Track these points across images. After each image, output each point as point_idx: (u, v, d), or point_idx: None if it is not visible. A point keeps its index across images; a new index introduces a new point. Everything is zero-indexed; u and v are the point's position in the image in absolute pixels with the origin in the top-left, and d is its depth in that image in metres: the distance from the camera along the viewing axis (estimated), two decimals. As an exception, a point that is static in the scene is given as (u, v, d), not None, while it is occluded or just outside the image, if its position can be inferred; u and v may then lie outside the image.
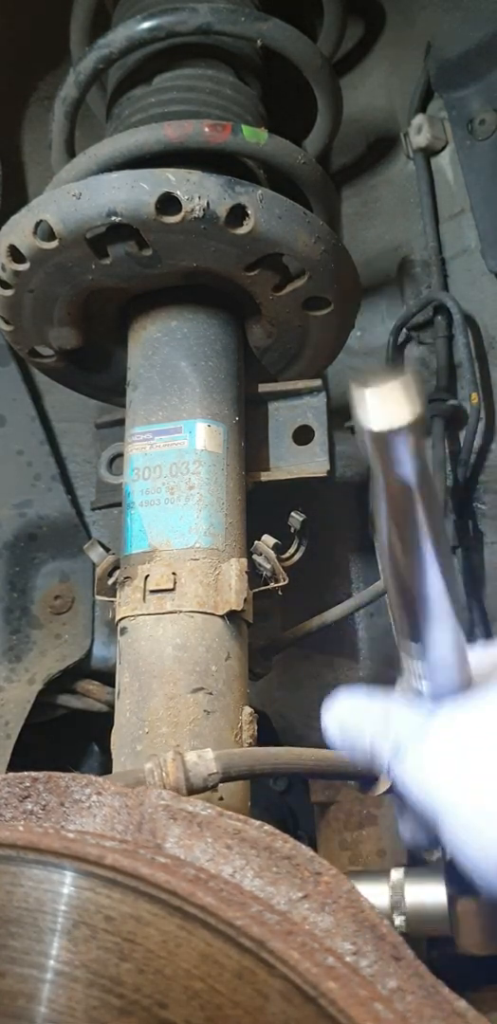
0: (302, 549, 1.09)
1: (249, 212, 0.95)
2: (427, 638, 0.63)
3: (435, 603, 0.61)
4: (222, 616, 0.95)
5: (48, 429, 1.43)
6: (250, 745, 0.94)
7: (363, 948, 0.53)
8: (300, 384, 1.14)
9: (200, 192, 0.93)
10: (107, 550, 1.06)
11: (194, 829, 0.59)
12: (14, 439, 1.40)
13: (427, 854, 1.12)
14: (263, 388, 1.14)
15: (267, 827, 0.60)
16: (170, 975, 0.49)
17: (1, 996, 0.51)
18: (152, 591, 0.96)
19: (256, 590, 1.02)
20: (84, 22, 1.21)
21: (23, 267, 0.99)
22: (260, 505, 1.10)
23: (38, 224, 0.96)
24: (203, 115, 1.06)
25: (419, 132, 1.42)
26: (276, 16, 1.07)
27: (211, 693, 0.93)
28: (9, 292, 1.03)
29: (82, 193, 0.94)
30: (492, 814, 0.59)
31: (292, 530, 1.09)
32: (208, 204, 0.93)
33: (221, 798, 0.86)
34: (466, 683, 0.66)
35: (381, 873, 1.00)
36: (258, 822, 0.61)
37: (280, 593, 1.06)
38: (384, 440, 0.48)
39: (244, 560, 0.99)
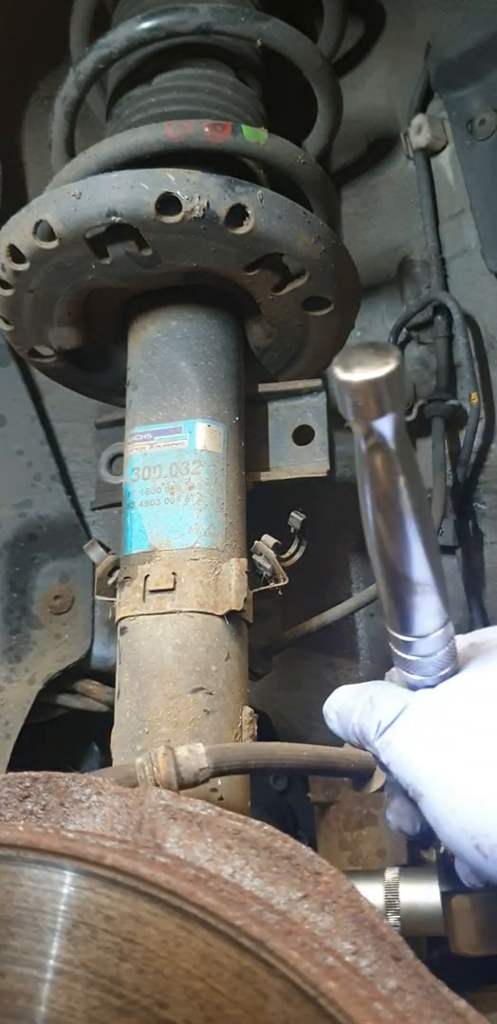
0: (302, 549, 1.09)
1: (249, 212, 0.95)
2: (413, 622, 0.64)
3: (420, 585, 0.62)
4: (222, 616, 0.95)
5: (48, 429, 1.43)
6: (250, 745, 0.94)
7: (363, 948, 0.53)
8: (300, 384, 1.14)
9: (200, 192, 0.93)
10: (107, 550, 1.06)
11: (194, 829, 0.59)
12: (14, 439, 1.40)
13: (426, 853, 1.12)
14: (263, 388, 1.14)
15: (267, 827, 0.60)
16: (170, 975, 0.49)
17: (1, 996, 0.51)
18: (152, 591, 0.96)
19: (256, 590, 1.02)
20: (84, 22, 1.21)
21: (23, 267, 0.99)
22: (260, 505, 1.10)
23: (38, 224, 0.96)
24: (203, 115, 1.06)
25: (419, 132, 1.43)
26: (276, 16, 1.07)
27: (211, 693, 0.93)
28: (9, 292, 1.03)
29: (82, 193, 0.94)
30: (468, 791, 0.61)
31: (292, 530, 1.09)
32: (208, 204, 0.93)
33: (221, 798, 0.86)
34: (453, 669, 0.67)
35: (376, 873, 1.00)
36: (258, 822, 0.61)
37: (280, 593, 1.06)
38: (363, 392, 0.51)
39: (244, 560, 0.99)
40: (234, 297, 1.08)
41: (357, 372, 0.51)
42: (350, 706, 0.71)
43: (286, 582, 1.05)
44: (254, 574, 1.03)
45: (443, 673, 0.67)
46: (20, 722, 1.30)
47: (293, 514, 1.09)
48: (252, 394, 1.13)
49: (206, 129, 0.99)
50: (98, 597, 1.06)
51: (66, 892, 0.52)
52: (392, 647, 0.68)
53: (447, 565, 1.42)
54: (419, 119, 1.43)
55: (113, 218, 0.94)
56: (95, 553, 1.06)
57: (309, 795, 1.32)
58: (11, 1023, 0.50)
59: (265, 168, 1.11)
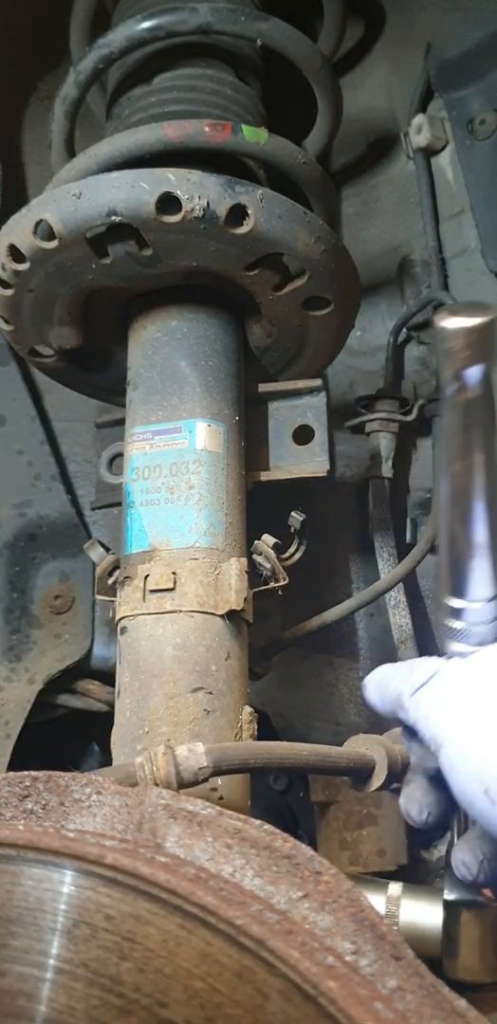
0: (302, 549, 1.09)
1: (249, 212, 0.95)
2: (467, 586, 0.67)
3: (479, 547, 0.65)
4: (222, 616, 0.95)
5: (48, 429, 1.43)
6: (250, 745, 0.94)
7: (363, 947, 0.53)
8: (300, 384, 1.14)
9: (200, 192, 0.93)
10: (107, 550, 1.06)
11: (194, 828, 0.59)
12: (14, 439, 1.40)
13: (426, 853, 1.12)
14: (263, 388, 1.14)
15: (267, 826, 0.60)
16: (170, 974, 0.49)
17: (1, 995, 0.51)
18: (152, 591, 0.96)
19: (256, 590, 1.02)
20: (84, 22, 1.21)
21: (23, 267, 0.99)
22: (260, 505, 1.10)
23: (38, 224, 0.96)
24: (203, 115, 1.06)
25: (419, 132, 1.43)
26: (276, 16, 1.07)
27: (211, 693, 0.93)
28: (9, 292, 1.03)
29: (82, 193, 0.94)
30: (481, 739, 0.64)
31: (292, 530, 1.09)
32: (208, 204, 0.93)
33: (221, 797, 0.86)
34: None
35: (380, 884, 1.00)
36: (258, 821, 0.61)
37: (280, 593, 1.06)
38: (458, 338, 0.56)
39: (244, 560, 0.99)
40: (234, 297, 1.08)
41: (455, 320, 0.56)
42: (389, 676, 0.75)
43: (286, 582, 1.05)
44: (254, 574, 1.03)
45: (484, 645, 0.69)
46: (20, 722, 1.30)
47: (293, 514, 1.08)
48: (252, 394, 1.13)
49: (206, 129, 0.99)
50: (98, 597, 1.06)
51: (66, 891, 0.52)
52: (441, 617, 0.71)
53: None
54: (419, 119, 1.43)
55: (113, 218, 0.94)
56: (95, 553, 1.06)
57: (301, 795, 1.32)
58: (11, 1022, 0.50)
59: (265, 168, 1.11)
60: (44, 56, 1.36)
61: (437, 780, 0.72)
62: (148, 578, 0.96)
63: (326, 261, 1.01)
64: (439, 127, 1.43)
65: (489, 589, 0.67)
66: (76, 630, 1.37)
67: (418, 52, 1.41)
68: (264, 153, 1.04)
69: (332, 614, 1.19)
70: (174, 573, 0.96)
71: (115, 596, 1.01)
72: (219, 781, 0.85)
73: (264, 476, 1.11)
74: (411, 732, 0.74)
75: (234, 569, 0.96)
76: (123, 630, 0.98)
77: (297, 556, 1.09)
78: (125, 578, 0.99)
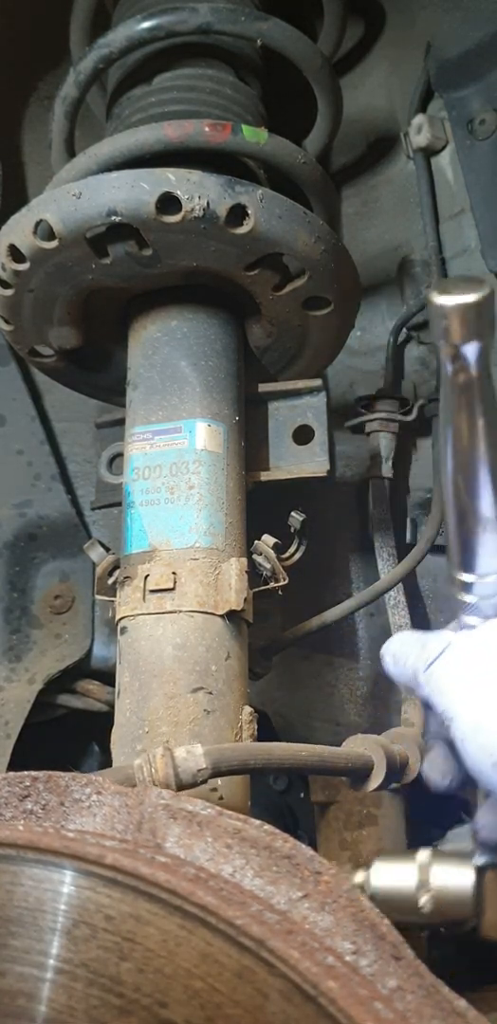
0: (302, 549, 1.09)
1: (249, 212, 0.95)
2: (476, 560, 0.68)
3: (485, 520, 0.66)
4: (222, 616, 0.95)
5: (48, 429, 1.43)
6: (250, 745, 0.94)
7: (363, 947, 0.53)
8: (300, 384, 1.14)
9: (200, 192, 0.93)
10: (107, 550, 1.06)
11: (194, 828, 0.59)
12: (14, 439, 1.40)
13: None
14: (263, 388, 1.14)
15: (267, 826, 0.60)
16: (170, 974, 0.49)
17: (1, 995, 0.51)
18: (152, 591, 0.96)
19: (256, 590, 1.02)
20: (84, 22, 1.21)
21: (23, 267, 0.99)
22: (260, 505, 1.10)
23: (38, 224, 0.96)
24: (203, 115, 1.06)
25: (419, 132, 1.42)
26: (276, 16, 1.07)
27: (211, 693, 0.93)
28: (9, 292, 1.03)
29: (82, 193, 0.94)
30: (491, 712, 0.66)
31: (292, 530, 1.09)
32: (208, 204, 0.93)
33: (221, 797, 0.86)
34: None
35: (408, 854, 1.00)
36: (258, 821, 0.61)
37: (280, 593, 1.06)
38: (454, 315, 0.55)
39: (244, 560, 0.99)
40: (234, 297, 1.08)
41: (450, 296, 0.55)
42: (406, 650, 0.77)
43: (286, 582, 1.05)
44: (254, 574, 1.03)
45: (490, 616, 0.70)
46: (20, 722, 1.30)
47: (293, 514, 1.08)
48: (252, 394, 1.13)
49: (206, 129, 0.99)
50: (98, 597, 1.06)
51: (66, 891, 0.52)
52: (454, 592, 0.72)
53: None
54: (419, 119, 1.43)
55: (113, 218, 0.94)
56: (95, 553, 1.06)
57: (302, 795, 1.32)
58: (11, 1022, 0.50)
59: (265, 168, 1.11)
60: (44, 56, 1.36)
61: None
62: (148, 578, 0.96)
63: (326, 261, 1.01)
64: (439, 127, 1.43)
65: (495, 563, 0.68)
66: (76, 630, 1.37)
67: (418, 52, 1.41)
68: (264, 153, 1.04)
69: (332, 614, 1.19)
70: (174, 573, 0.96)
71: (115, 596, 1.01)
72: (219, 781, 0.84)
73: (264, 476, 1.11)
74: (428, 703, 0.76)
75: (234, 569, 0.96)
76: (123, 630, 0.98)
77: (297, 556, 1.09)
78: (125, 578, 0.99)
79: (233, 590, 0.95)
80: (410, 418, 1.42)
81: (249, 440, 1.10)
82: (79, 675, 1.37)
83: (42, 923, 0.52)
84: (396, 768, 0.93)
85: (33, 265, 0.99)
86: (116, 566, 1.03)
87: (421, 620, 1.41)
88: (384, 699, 1.37)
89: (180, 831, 0.59)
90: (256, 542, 1.04)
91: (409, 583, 1.39)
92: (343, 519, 1.46)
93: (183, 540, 0.98)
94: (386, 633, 1.35)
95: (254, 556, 1.03)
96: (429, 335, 1.47)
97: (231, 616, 0.96)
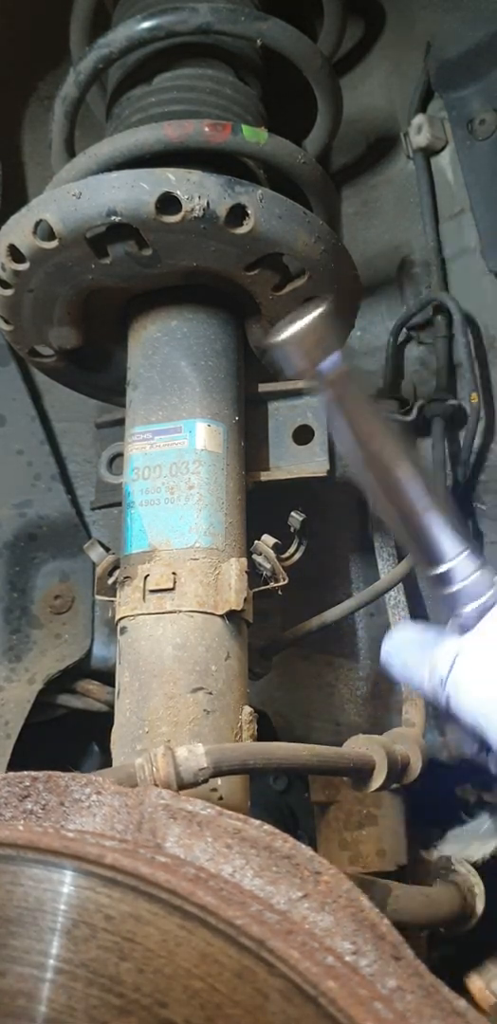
0: (302, 549, 1.09)
1: (249, 212, 0.95)
2: (433, 550, 0.67)
3: (420, 507, 0.66)
4: (222, 616, 0.95)
5: (48, 429, 1.43)
6: (250, 745, 0.94)
7: (363, 947, 0.53)
8: (300, 384, 1.14)
9: (200, 192, 0.93)
10: (107, 550, 1.06)
11: (194, 828, 0.59)
12: (14, 439, 1.40)
13: (425, 853, 1.12)
14: (263, 388, 1.14)
15: (267, 827, 0.60)
16: (170, 974, 0.49)
17: (1, 995, 0.51)
18: (152, 591, 0.96)
19: (256, 590, 1.02)
20: (84, 22, 1.21)
21: (23, 267, 0.99)
22: (260, 505, 1.10)
23: (38, 224, 0.96)
24: (203, 115, 1.06)
25: (419, 132, 1.42)
26: (276, 16, 1.07)
27: (211, 693, 0.93)
28: (9, 292, 1.03)
29: (82, 193, 0.94)
30: None
31: (292, 530, 1.09)
32: (208, 204, 0.93)
33: (221, 797, 0.86)
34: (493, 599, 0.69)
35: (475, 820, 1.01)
36: (258, 821, 0.61)
37: (280, 593, 1.06)
38: (293, 345, 0.59)
39: (244, 560, 0.99)
40: (234, 297, 1.08)
41: (287, 331, 0.59)
42: (414, 658, 0.75)
43: (286, 582, 1.05)
44: (254, 574, 1.03)
45: (483, 601, 0.68)
46: (20, 722, 1.30)
47: (293, 514, 1.08)
48: (252, 394, 1.13)
49: (206, 129, 0.99)
50: (98, 597, 1.06)
51: (66, 891, 0.52)
52: (436, 593, 0.71)
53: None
54: (419, 119, 1.43)
55: (113, 218, 0.94)
56: (95, 553, 1.06)
57: (305, 795, 1.32)
58: (11, 1022, 0.50)
59: (265, 168, 1.11)
60: (44, 56, 1.36)
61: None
62: (148, 578, 0.96)
63: (326, 261, 1.01)
64: (439, 127, 1.43)
65: (459, 540, 0.68)
66: (76, 630, 1.37)
67: (418, 52, 1.41)
68: (264, 153, 1.04)
69: (332, 614, 1.19)
70: (174, 573, 0.96)
71: (115, 596, 1.01)
72: (219, 781, 0.85)
73: (264, 476, 1.11)
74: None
75: (234, 569, 0.96)
76: (123, 630, 0.98)
77: (297, 556, 1.09)
78: (125, 578, 0.99)
79: (233, 590, 0.95)
80: (410, 418, 1.41)
81: (249, 440, 1.10)
82: (79, 675, 1.37)
83: (42, 923, 0.52)
84: (397, 768, 0.93)
85: (33, 265, 0.99)
86: (116, 566, 1.03)
87: (421, 620, 1.40)
88: (384, 699, 1.37)
89: (180, 831, 0.59)
90: (256, 542, 1.04)
91: (409, 583, 1.39)
92: (343, 519, 1.46)
93: (183, 540, 0.98)
94: (386, 633, 1.35)
95: (254, 556, 1.03)
96: (429, 335, 1.47)
97: (231, 616, 0.96)
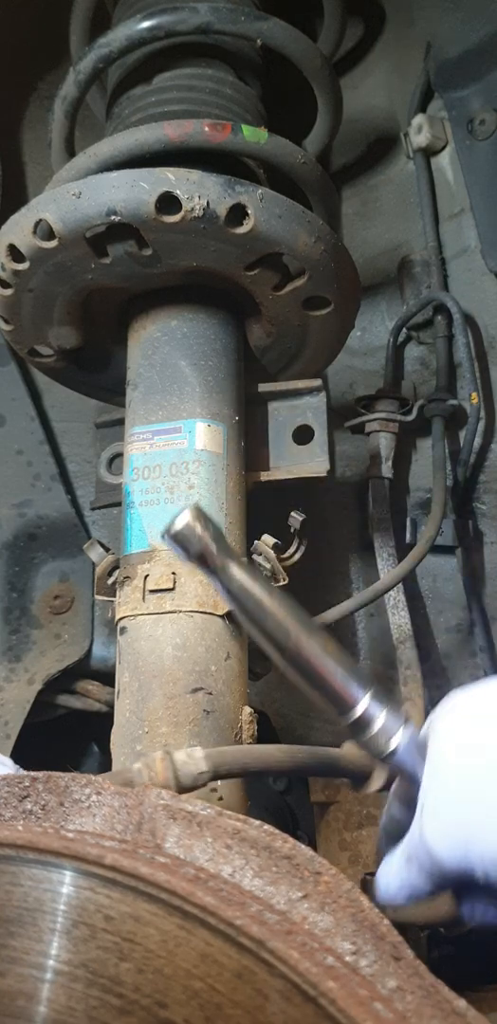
0: (302, 549, 1.09)
1: (249, 211, 0.95)
2: (339, 697, 0.67)
3: (328, 664, 0.67)
4: (222, 616, 0.95)
5: (48, 429, 1.43)
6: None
7: (363, 948, 0.52)
8: (300, 384, 1.14)
9: (200, 191, 0.93)
10: (107, 550, 1.06)
11: (194, 829, 0.59)
12: (14, 439, 1.40)
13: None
14: (263, 388, 1.14)
15: (267, 827, 0.60)
16: (170, 975, 0.49)
17: (1, 996, 0.51)
18: (152, 591, 0.96)
19: (256, 590, 1.02)
20: (84, 22, 1.21)
21: (23, 266, 0.99)
22: (260, 505, 1.10)
23: (38, 223, 0.96)
24: (203, 114, 1.06)
25: (419, 132, 1.43)
26: (276, 16, 1.07)
27: (211, 693, 0.93)
28: (9, 291, 1.03)
29: (82, 192, 0.94)
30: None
31: (292, 530, 1.09)
32: (208, 203, 0.93)
33: (220, 798, 0.86)
34: (412, 742, 0.67)
35: None
36: (258, 822, 0.61)
37: (280, 593, 1.05)
38: (178, 540, 0.65)
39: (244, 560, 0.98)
40: (234, 297, 1.07)
41: (171, 528, 0.65)
42: (392, 880, 0.68)
43: (286, 582, 1.04)
44: (254, 574, 1.03)
45: (399, 738, 0.67)
46: (20, 722, 1.30)
47: (293, 514, 1.08)
48: (252, 394, 1.13)
49: (206, 128, 0.99)
50: (98, 597, 1.06)
51: (66, 892, 0.52)
52: (365, 742, 0.69)
53: (447, 565, 1.42)
54: (419, 119, 1.43)
55: (113, 217, 0.94)
56: (95, 553, 1.06)
57: (308, 798, 1.32)
58: (11, 1023, 0.50)
59: (265, 167, 1.11)
60: (44, 56, 1.36)
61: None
62: (148, 578, 0.96)
63: (326, 261, 1.01)
64: (439, 127, 1.43)
65: (360, 681, 0.67)
66: (76, 630, 1.37)
67: (418, 52, 1.41)
68: (264, 153, 1.04)
69: (332, 614, 1.19)
70: (174, 573, 0.96)
71: (115, 596, 1.01)
72: (218, 782, 0.84)
73: (264, 476, 1.11)
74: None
75: (234, 569, 0.96)
76: (123, 630, 0.98)
77: (297, 556, 1.09)
78: (125, 578, 0.99)
79: (233, 590, 0.95)
80: (410, 418, 1.42)
81: (249, 440, 1.10)
82: (79, 675, 1.37)
83: (42, 923, 0.52)
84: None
85: (33, 265, 0.99)
86: (116, 566, 1.03)
87: (421, 620, 1.41)
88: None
89: (180, 831, 0.59)
90: (256, 542, 1.04)
91: (409, 583, 1.39)
92: (343, 519, 1.46)
93: (183, 540, 0.98)
94: (386, 633, 1.35)
95: (254, 556, 1.03)
96: (429, 335, 1.47)
97: (231, 616, 0.96)
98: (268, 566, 1.03)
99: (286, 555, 1.07)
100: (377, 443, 1.42)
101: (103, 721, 1.13)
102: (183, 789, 0.69)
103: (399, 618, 1.33)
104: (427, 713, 1.26)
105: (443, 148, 1.44)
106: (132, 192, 0.93)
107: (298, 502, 1.11)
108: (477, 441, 1.38)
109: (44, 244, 0.97)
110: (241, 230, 0.95)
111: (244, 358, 1.12)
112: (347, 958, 0.52)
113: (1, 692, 1.33)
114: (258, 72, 1.17)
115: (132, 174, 0.94)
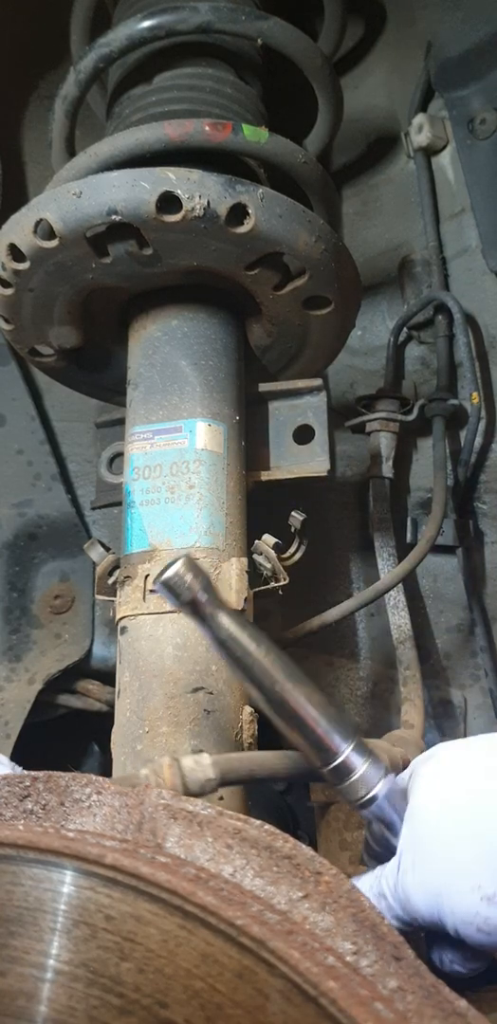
0: (302, 549, 1.09)
1: (250, 211, 0.94)
2: (322, 746, 0.68)
3: (312, 715, 0.68)
4: (222, 615, 0.95)
5: (48, 429, 1.43)
6: (250, 745, 0.94)
7: (363, 948, 0.52)
8: (300, 383, 1.14)
9: (200, 191, 0.93)
10: (107, 549, 1.06)
11: (194, 828, 0.59)
12: (14, 439, 1.40)
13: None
14: (263, 387, 1.14)
15: (267, 827, 0.60)
16: (170, 974, 0.49)
17: (1, 995, 0.51)
18: (152, 590, 0.96)
19: (256, 589, 1.02)
20: (84, 21, 1.21)
21: (23, 266, 0.99)
22: (260, 505, 1.10)
23: (38, 223, 0.96)
24: (203, 114, 1.06)
25: (420, 131, 1.43)
26: (277, 15, 1.07)
27: (211, 693, 0.93)
28: (9, 291, 1.03)
29: (82, 192, 0.94)
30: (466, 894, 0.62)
31: (292, 530, 1.09)
32: (209, 203, 0.93)
33: (221, 798, 0.86)
34: (392, 789, 0.68)
35: None
36: (258, 822, 0.61)
37: (280, 593, 1.05)
38: (166, 588, 0.68)
39: (244, 559, 0.98)
40: (234, 296, 1.07)
41: (160, 579, 0.68)
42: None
43: (286, 582, 1.04)
44: (254, 574, 1.03)
45: (377, 790, 0.67)
46: (20, 722, 1.30)
47: (293, 514, 1.08)
48: (252, 393, 1.13)
49: (206, 128, 0.99)
50: (98, 597, 1.06)
51: (66, 891, 0.52)
52: (345, 790, 0.69)
53: (448, 565, 1.42)
54: (420, 118, 1.43)
55: (113, 217, 0.94)
56: (95, 552, 1.06)
57: (309, 800, 1.32)
58: (11, 1023, 0.50)
59: (266, 167, 1.11)
60: (44, 56, 1.36)
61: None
62: (148, 578, 0.96)
63: (326, 260, 1.01)
64: (440, 127, 1.43)
65: (344, 732, 0.67)
66: (76, 630, 1.37)
67: (418, 52, 1.41)
68: (264, 152, 1.04)
69: (332, 614, 1.19)
70: (174, 573, 0.96)
71: (115, 596, 1.01)
72: (219, 781, 0.84)
73: (264, 476, 1.11)
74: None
75: (234, 569, 0.96)
76: (123, 630, 0.98)
77: (297, 556, 1.09)
78: (125, 578, 0.99)
79: (233, 590, 0.95)
80: (410, 418, 1.42)
81: (249, 440, 1.10)
82: (79, 675, 1.37)
83: (42, 923, 0.52)
84: (398, 770, 0.92)
85: (33, 264, 0.99)
86: (116, 566, 1.03)
87: (421, 620, 1.41)
88: (384, 699, 1.37)
89: (180, 831, 0.59)
90: (256, 542, 1.04)
91: (409, 583, 1.39)
92: (343, 519, 1.46)
93: (183, 540, 0.98)
94: (386, 633, 1.35)
95: (254, 556, 1.03)
96: (430, 335, 1.47)
97: (231, 616, 0.95)
98: (268, 566, 1.03)
99: (287, 555, 1.07)
100: (378, 443, 1.42)
101: (103, 721, 1.12)
102: (191, 796, 0.69)
103: (399, 618, 1.33)
104: (427, 713, 1.26)
105: (444, 148, 1.44)
106: (133, 192, 0.93)
107: (299, 502, 1.11)
108: (478, 441, 1.38)
109: (45, 244, 0.97)
110: (242, 230, 0.95)
111: (244, 358, 1.12)
112: (348, 958, 0.52)
113: (1, 692, 1.33)
114: (258, 72, 1.17)
115: (133, 174, 0.94)
